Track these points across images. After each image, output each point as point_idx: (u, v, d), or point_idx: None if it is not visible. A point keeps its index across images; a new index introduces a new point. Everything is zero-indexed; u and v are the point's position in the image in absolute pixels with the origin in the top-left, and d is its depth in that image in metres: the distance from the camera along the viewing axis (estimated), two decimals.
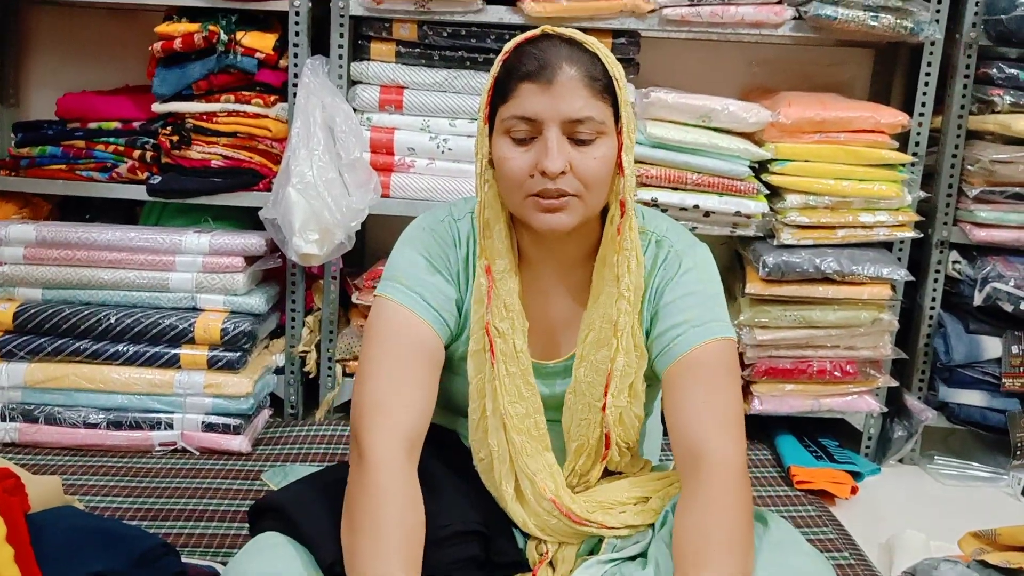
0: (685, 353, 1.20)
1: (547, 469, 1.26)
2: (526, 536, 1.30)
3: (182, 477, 2.04)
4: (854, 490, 2.11)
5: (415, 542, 1.11)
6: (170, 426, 2.15)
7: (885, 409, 2.32)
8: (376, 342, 1.22)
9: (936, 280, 2.32)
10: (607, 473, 1.33)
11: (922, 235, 2.27)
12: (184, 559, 1.41)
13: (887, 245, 2.29)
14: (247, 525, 1.25)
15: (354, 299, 2.39)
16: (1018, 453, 2.23)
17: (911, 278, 2.23)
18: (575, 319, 1.28)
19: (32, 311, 2.14)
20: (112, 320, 2.13)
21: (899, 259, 2.27)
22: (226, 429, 2.16)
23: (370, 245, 2.66)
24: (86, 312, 2.14)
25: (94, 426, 2.14)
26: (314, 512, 1.17)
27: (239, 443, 2.16)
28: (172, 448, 2.16)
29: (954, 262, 2.30)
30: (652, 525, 1.24)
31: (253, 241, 2.20)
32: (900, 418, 2.34)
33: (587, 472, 1.29)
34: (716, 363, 1.19)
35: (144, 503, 1.90)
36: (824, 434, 2.39)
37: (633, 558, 1.22)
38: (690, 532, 1.10)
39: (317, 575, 1.12)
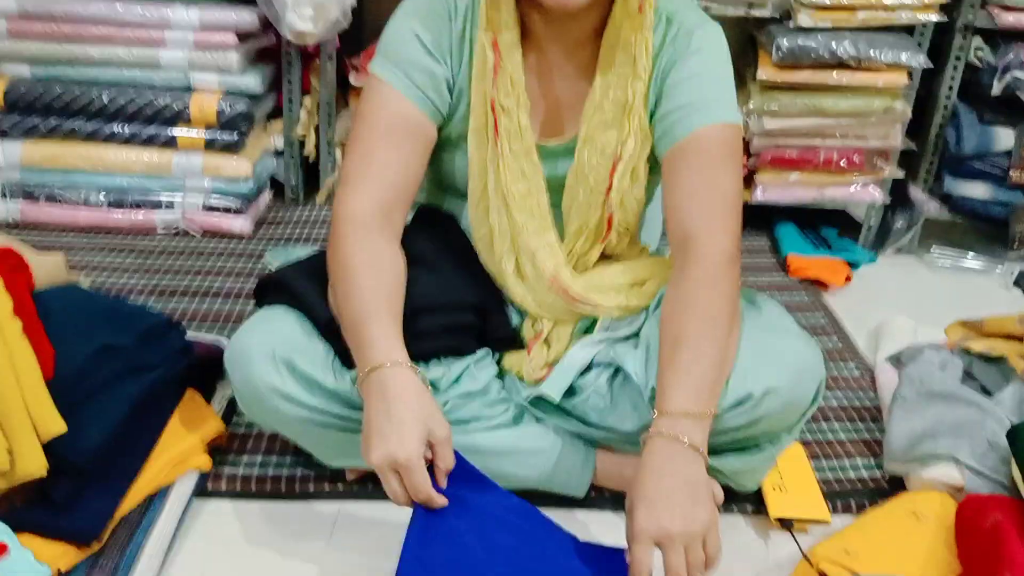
0: (686, 136, 1.16)
1: (548, 248, 1.26)
2: (522, 315, 1.33)
3: (185, 257, 2.06)
4: (848, 278, 2.14)
5: (388, 284, 1.12)
6: (171, 207, 2.16)
7: (888, 200, 2.30)
8: (360, 120, 1.21)
9: (956, 68, 2.23)
10: (604, 257, 1.34)
11: (947, 19, 2.16)
12: (190, 333, 1.45)
13: (908, 30, 2.18)
14: (251, 302, 1.28)
15: (352, 80, 2.32)
16: (1016, 245, 2.24)
17: (930, 65, 2.15)
18: (579, 99, 1.24)
19: (22, 89, 2.08)
20: (105, 99, 2.08)
21: (919, 44, 2.17)
22: (227, 211, 2.17)
23: (369, 24, 2.54)
24: (77, 91, 2.09)
25: (96, 206, 2.15)
26: (313, 283, 1.20)
27: (241, 224, 2.17)
28: (175, 232, 2.17)
29: (976, 48, 2.21)
30: (647, 307, 1.26)
31: (245, 16, 2.10)
32: (902, 209, 2.33)
33: (585, 254, 1.30)
34: (717, 147, 1.16)
35: (149, 281, 1.94)
36: (824, 223, 2.39)
37: (627, 338, 1.25)
38: (674, 311, 1.11)
39: (316, 337, 1.18)
